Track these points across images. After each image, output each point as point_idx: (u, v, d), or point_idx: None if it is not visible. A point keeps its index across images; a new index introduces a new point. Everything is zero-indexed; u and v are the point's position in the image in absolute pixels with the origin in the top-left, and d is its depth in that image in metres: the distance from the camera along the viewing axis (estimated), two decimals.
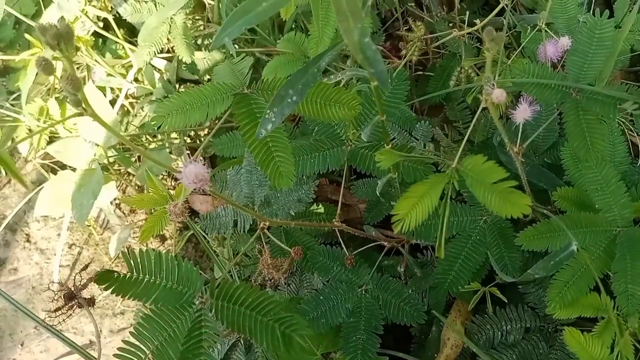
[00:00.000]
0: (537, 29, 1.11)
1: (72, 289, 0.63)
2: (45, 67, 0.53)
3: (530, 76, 0.83)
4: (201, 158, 0.58)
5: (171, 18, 1.29)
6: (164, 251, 1.40)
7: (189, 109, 0.71)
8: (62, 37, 0.53)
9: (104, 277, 0.64)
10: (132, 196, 1.03)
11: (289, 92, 0.63)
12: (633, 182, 0.97)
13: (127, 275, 0.64)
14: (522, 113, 0.77)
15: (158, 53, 1.33)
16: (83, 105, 0.57)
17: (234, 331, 0.64)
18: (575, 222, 0.82)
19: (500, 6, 1.07)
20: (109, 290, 0.65)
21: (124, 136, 0.57)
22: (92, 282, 0.64)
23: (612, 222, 0.83)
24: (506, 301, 0.91)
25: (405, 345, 1.10)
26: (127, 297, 0.65)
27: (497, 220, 0.89)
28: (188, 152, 1.12)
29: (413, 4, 1.47)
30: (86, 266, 0.62)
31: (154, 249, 1.38)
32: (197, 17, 1.57)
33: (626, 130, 1.13)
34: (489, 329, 0.98)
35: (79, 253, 1.40)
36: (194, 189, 0.59)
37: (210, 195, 1.27)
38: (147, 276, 0.64)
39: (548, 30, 1.09)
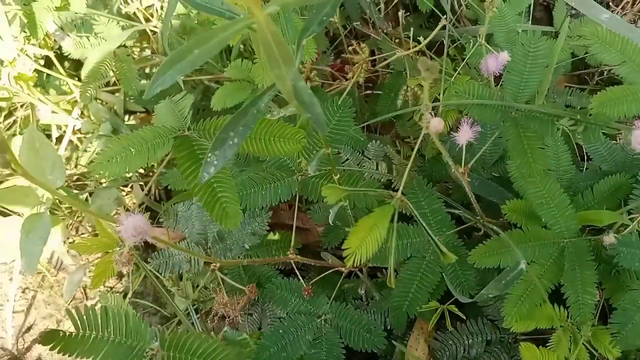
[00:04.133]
0: (477, 44, 1.14)
1: (16, 353, 0.61)
2: None
3: (470, 96, 0.85)
4: (139, 211, 0.57)
5: (114, 52, 1.26)
6: (121, 289, 1.37)
7: (129, 155, 0.69)
8: None
9: (49, 338, 0.62)
10: (80, 242, 1.00)
11: (229, 134, 0.63)
12: (579, 190, 1.00)
13: (73, 334, 0.62)
14: (464, 135, 0.78)
15: (103, 87, 1.30)
16: (13, 165, 0.55)
17: None
18: (524, 237, 0.84)
19: (442, 24, 1.09)
20: (55, 351, 0.62)
21: (59, 192, 0.55)
22: (37, 344, 0.62)
23: (559, 235, 0.85)
24: (464, 317, 0.92)
25: None
26: (74, 356, 0.63)
27: (449, 240, 0.90)
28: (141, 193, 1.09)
29: (359, 23, 1.49)
30: (29, 329, 0.60)
31: (110, 288, 1.35)
32: (144, 46, 1.55)
33: (570, 135, 1.16)
34: (451, 345, 0.99)
35: (33, 297, 1.35)
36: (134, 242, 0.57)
37: (165, 228, 1.25)
38: (93, 332, 0.62)
39: (487, 45, 1.11)
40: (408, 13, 1.51)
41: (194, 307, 1.05)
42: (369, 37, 1.47)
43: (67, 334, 0.62)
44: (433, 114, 0.68)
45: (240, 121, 0.63)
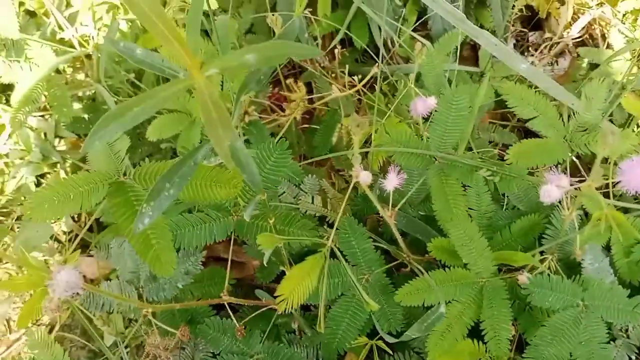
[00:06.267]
0: (407, 87, 1.20)
1: None
2: None
3: (398, 144, 0.90)
4: (72, 265, 0.57)
5: (47, 77, 1.23)
6: (47, 321, 1.32)
7: (62, 201, 0.69)
8: None
9: None
10: (6, 281, 0.96)
11: (165, 185, 0.64)
12: (498, 228, 1.08)
13: None
14: (391, 182, 0.83)
15: (34, 112, 1.27)
16: None
17: None
18: (446, 277, 0.90)
19: (375, 68, 1.14)
20: None
21: None
22: None
23: (478, 275, 0.91)
24: (391, 352, 0.96)
25: None
26: None
27: (377, 278, 0.94)
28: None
29: None
30: None
31: (36, 321, 1.30)
32: (77, 66, 1.51)
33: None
34: None
35: None
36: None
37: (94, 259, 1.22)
38: None
39: (416, 89, 1.18)
40: (344, 48, 1.56)
41: (123, 342, 1.04)
42: (305, 69, 1.52)
43: None
44: (362, 166, 0.73)
45: (177, 172, 0.64)
